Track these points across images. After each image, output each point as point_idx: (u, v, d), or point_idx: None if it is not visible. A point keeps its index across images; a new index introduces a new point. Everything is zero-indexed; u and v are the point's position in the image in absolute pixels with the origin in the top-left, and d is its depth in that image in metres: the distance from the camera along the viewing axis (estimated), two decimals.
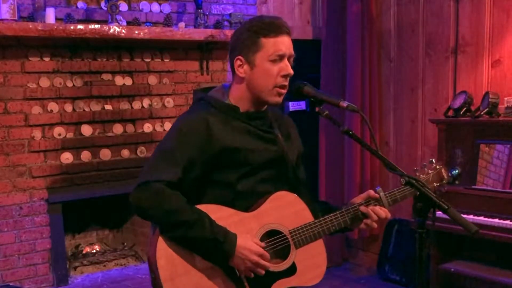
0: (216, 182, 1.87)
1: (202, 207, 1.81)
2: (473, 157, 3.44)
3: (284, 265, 1.86)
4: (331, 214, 1.91)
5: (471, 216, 3.25)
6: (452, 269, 3.46)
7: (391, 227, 4.27)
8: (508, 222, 3.12)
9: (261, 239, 1.85)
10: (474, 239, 3.39)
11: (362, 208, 1.90)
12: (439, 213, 1.66)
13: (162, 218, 1.78)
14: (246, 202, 1.87)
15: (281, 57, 1.85)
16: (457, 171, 2.02)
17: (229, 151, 1.84)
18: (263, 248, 1.83)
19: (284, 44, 1.86)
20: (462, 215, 1.66)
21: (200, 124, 1.83)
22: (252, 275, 1.81)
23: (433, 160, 2.02)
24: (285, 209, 1.89)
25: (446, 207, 1.63)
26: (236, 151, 1.85)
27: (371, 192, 1.94)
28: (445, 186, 2.02)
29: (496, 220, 3.17)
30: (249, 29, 1.86)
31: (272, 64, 1.85)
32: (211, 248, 1.77)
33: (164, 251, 1.77)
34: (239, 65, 1.88)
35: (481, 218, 3.22)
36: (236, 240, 1.78)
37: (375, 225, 1.92)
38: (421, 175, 1.98)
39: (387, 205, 1.92)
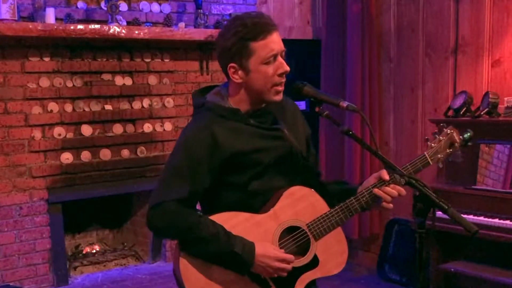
0: (229, 184, 1.88)
1: (216, 217, 1.83)
2: (473, 157, 3.44)
3: (306, 259, 1.88)
4: (347, 201, 1.89)
5: (471, 216, 3.25)
6: (452, 269, 3.45)
7: (391, 227, 4.27)
8: (508, 222, 3.12)
9: (280, 237, 1.87)
10: (474, 239, 3.39)
11: (375, 190, 1.87)
12: (439, 213, 1.66)
13: (179, 237, 1.83)
14: (260, 200, 1.89)
15: (274, 57, 1.83)
16: (468, 134, 1.96)
17: (237, 156, 1.84)
18: (283, 247, 1.85)
19: (274, 43, 1.82)
20: (462, 215, 1.66)
21: (205, 135, 1.83)
22: (276, 276, 1.83)
23: (444, 125, 1.98)
24: (300, 204, 1.90)
25: (446, 207, 1.63)
26: (244, 154, 1.84)
27: (383, 173, 1.88)
28: (458, 150, 1.97)
29: (496, 220, 3.17)
30: (234, 34, 1.81)
31: (267, 66, 1.82)
32: (231, 261, 1.80)
33: (187, 266, 1.81)
34: (234, 72, 1.85)
35: (481, 218, 3.22)
36: (254, 250, 1.79)
37: (390, 205, 1.89)
38: (432, 144, 1.95)
39: (399, 182, 1.87)
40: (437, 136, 1.96)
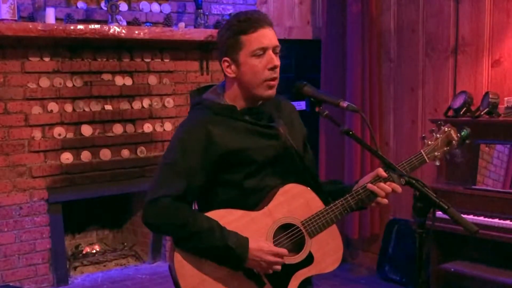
0: (224, 182, 1.89)
1: (211, 214, 1.84)
2: (473, 157, 3.44)
3: (300, 256, 1.88)
4: (341, 199, 1.89)
5: (471, 216, 3.25)
6: (452, 269, 3.46)
7: (391, 227, 4.27)
8: (508, 222, 3.12)
9: (275, 234, 1.87)
10: (474, 239, 3.39)
11: (369, 185, 1.87)
12: (439, 213, 1.66)
13: (174, 233, 1.84)
14: (255, 198, 1.89)
15: (264, 50, 1.85)
16: (466, 131, 1.94)
17: (232, 153, 1.85)
18: (278, 244, 1.85)
19: (264, 37, 1.85)
20: (462, 215, 1.66)
21: (200, 132, 1.85)
22: (271, 271, 1.84)
23: (441, 122, 1.97)
24: (295, 201, 1.90)
25: (446, 207, 1.62)
26: (239, 152, 1.86)
27: (380, 170, 1.89)
28: (456, 148, 1.95)
29: (496, 220, 3.17)
30: (228, 29, 1.87)
31: (256, 59, 1.85)
32: (225, 255, 1.80)
33: (182, 262, 1.82)
34: (227, 66, 1.89)
35: (481, 218, 3.22)
36: (248, 244, 1.80)
37: (385, 201, 1.89)
38: (429, 142, 1.95)
39: (398, 180, 1.86)
40: (434, 133, 1.95)
